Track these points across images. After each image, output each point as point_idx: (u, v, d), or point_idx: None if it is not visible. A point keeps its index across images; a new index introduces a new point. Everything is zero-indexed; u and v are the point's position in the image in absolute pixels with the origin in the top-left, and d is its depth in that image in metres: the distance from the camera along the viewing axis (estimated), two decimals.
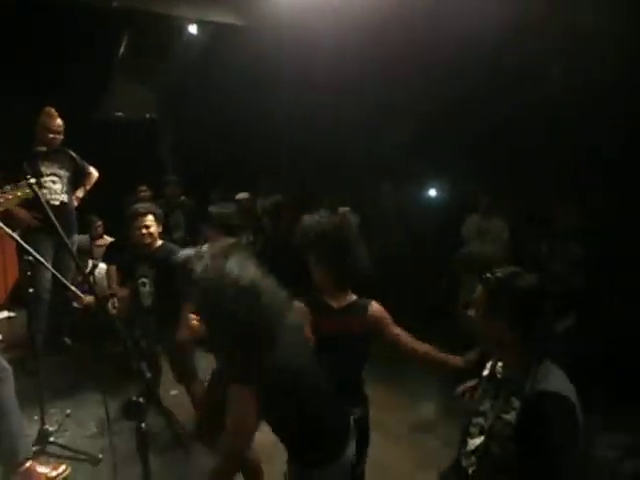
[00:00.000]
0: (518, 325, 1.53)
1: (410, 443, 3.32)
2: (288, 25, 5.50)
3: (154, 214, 3.60)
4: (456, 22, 4.28)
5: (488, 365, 1.76)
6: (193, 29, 6.46)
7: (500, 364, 1.69)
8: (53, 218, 1.77)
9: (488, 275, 1.60)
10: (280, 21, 5.42)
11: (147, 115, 7.28)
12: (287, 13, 5.29)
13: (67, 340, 4.69)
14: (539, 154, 4.60)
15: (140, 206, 3.65)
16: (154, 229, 3.57)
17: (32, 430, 3.07)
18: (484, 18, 4.05)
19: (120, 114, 7.03)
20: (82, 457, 3.01)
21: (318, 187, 5.97)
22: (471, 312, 1.64)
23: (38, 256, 2.89)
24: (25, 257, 2.96)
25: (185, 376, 3.51)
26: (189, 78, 6.76)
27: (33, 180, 1.75)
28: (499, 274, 1.59)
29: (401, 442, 3.30)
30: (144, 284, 3.56)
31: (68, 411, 3.55)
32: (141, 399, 1.53)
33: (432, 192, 6.10)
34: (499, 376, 1.68)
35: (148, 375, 1.59)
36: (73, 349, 4.61)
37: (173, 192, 6.27)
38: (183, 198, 6.29)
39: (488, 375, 1.74)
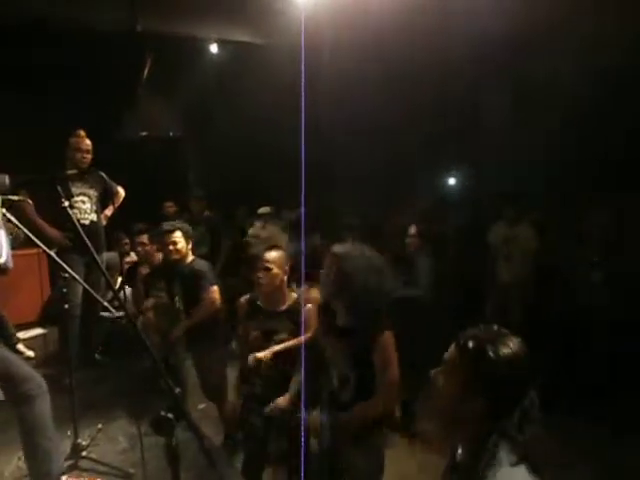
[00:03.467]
0: (486, 398, 1.22)
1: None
2: (306, 43, 5.56)
3: (182, 230, 3.67)
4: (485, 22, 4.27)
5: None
6: (214, 48, 6.60)
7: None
8: (85, 238, 1.82)
9: (465, 335, 1.30)
10: (298, 39, 5.50)
11: (170, 133, 7.43)
12: (305, 31, 5.36)
13: (97, 356, 4.78)
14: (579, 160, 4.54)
15: (167, 223, 3.74)
16: (182, 245, 3.64)
17: (65, 445, 3.13)
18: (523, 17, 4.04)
19: (144, 133, 7.19)
20: (114, 472, 3.06)
21: (338, 201, 6.01)
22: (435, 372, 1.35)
23: (74, 273, 2.98)
24: (62, 274, 3.05)
25: (216, 393, 3.55)
26: (211, 96, 6.89)
27: (67, 203, 1.80)
28: (479, 334, 1.29)
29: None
30: (173, 300, 3.64)
31: (100, 426, 3.62)
32: (170, 415, 1.56)
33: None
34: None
35: (177, 390, 1.62)
36: (103, 364, 4.70)
37: (197, 208, 6.39)
38: (207, 213, 6.39)
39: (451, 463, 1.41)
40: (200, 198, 6.45)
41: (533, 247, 4.88)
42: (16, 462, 3.07)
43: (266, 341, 2.76)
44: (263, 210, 6.11)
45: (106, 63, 5.89)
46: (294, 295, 2.91)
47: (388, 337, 2.21)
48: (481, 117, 5.19)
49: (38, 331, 5.60)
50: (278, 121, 6.22)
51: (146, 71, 6.48)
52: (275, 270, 2.79)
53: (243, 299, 3.02)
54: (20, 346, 5.07)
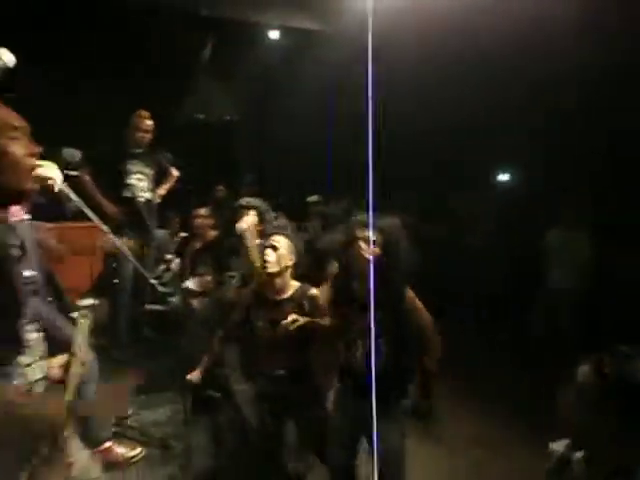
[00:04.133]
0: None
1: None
2: (372, 31, 5.50)
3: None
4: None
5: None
6: (275, 34, 6.63)
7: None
8: (145, 215, 1.87)
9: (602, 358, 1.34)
10: (363, 27, 5.44)
11: (226, 117, 7.53)
12: (371, 19, 5.30)
13: (146, 330, 4.93)
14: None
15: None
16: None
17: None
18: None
19: (201, 116, 7.33)
20: (155, 443, 3.16)
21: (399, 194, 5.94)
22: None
23: (125, 249, 3.07)
24: (112, 249, 3.15)
25: None
26: (269, 82, 6.93)
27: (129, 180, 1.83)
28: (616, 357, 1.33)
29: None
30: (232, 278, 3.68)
31: (143, 397, 3.75)
32: (216, 394, 1.59)
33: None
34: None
35: (224, 372, 1.65)
36: (151, 340, 4.83)
37: (247, 193, 6.45)
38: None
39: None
40: (251, 183, 6.54)
41: (591, 253, 4.71)
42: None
43: (274, 330, 2.69)
44: (313, 199, 6.14)
45: (169, 46, 6.02)
46: (296, 283, 2.83)
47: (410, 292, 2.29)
48: (547, 117, 5.00)
49: (89, 301, 5.81)
50: (335, 111, 6.21)
51: (206, 55, 6.57)
52: (282, 251, 2.73)
53: (246, 289, 2.97)
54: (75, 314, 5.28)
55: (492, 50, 4.66)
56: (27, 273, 2.86)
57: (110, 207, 4.30)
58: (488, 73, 5.04)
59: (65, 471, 1.47)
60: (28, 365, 1.40)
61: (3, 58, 1.78)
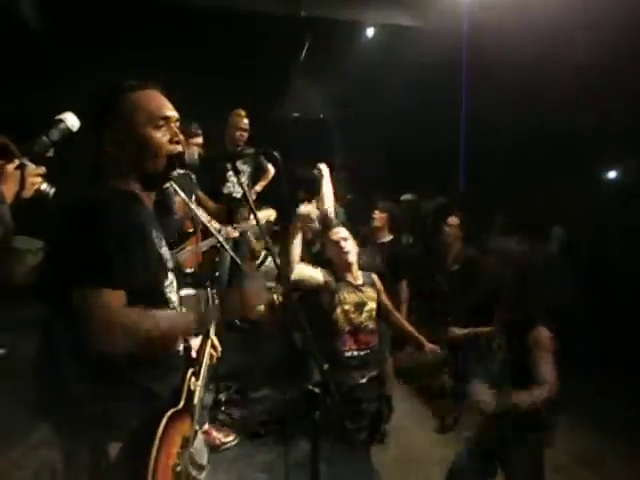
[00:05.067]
0: None
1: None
2: (468, 27, 5.36)
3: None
4: None
5: None
6: (370, 32, 6.62)
7: None
8: (255, 210, 1.93)
9: None
10: (460, 23, 5.31)
11: (321, 115, 7.62)
12: (467, 14, 5.16)
13: (237, 321, 5.11)
14: None
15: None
16: None
17: (207, 398, 3.40)
18: None
19: (297, 114, 7.46)
20: (247, 430, 3.28)
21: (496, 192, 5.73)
22: None
23: (224, 243, 3.21)
24: (214, 243, 3.31)
25: None
26: (363, 80, 6.92)
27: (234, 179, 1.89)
28: None
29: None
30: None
31: (237, 386, 3.90)
32: (317, 389, 1.61)
33: None
34: None
35: (325, 366, 1.67)
36: (243, 330, 5.01)
37: (340, 190, 6.48)
38: (349, 197, 6.49)
39: None
40: (343, 181, 6.54)
41: None
42: None
43: (359, 314, 2.82)
44: (406, 197, 6.07)
45: (267, 45, 6.18)
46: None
47: (543, 332, 2.33)
48: None
49: (190, 291, 6.13)
50: (430, 107, 6.10)
51: (303, 54, 6.69)
52: (352, 240, 2.91)
53: (327, 276, 3.02)
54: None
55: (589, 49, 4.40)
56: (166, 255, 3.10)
57: (209, 203, 4.49)
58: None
59: None
60: None
61: (67, 122, 1.87)
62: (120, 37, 5.73)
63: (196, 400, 1.58)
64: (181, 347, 1.60)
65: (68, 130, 1.86)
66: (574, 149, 5.40)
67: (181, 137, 1.53)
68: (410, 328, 3.00)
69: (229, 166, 4.70)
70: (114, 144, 1.42)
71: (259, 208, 5.20)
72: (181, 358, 1.57)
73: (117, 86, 1.46)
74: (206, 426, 3.09)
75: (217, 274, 3.55)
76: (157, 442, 1.32)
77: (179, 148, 1.51)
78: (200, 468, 1.57)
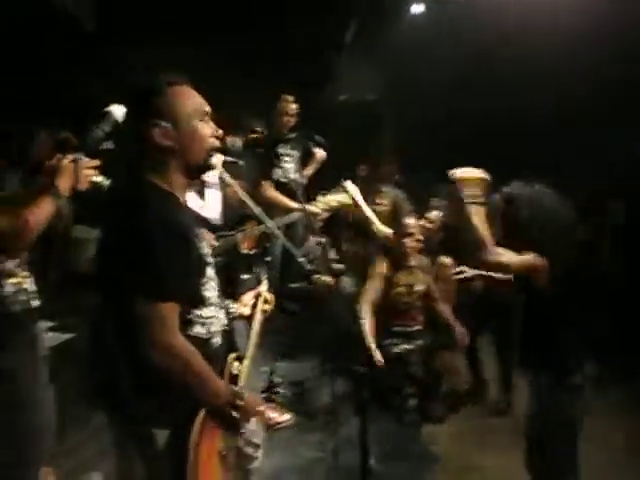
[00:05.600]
0: None
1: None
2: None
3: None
4: None
5: None
6: (418, 8, 6.46)
7: None
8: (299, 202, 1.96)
9: None
10: None
11: (369, 97, 7.52)
12: None
13: (293, 305, 5.19)
14: None
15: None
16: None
17: (260, 380, 3.50)
18: None
19: (344, 97, 7.40)
20: (302, 410, 3.35)
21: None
22: None
23: (275, 229, 3.26)
24: (265, 229, 3.37)
25: None
26: (412, 59, 6.77)
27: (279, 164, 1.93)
28: None
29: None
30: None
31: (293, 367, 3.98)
32: (362, 369, 1.63)
33: None
34: None
35: (373, 346, 1.69)
36: (298, 314, 5.08)
37: (387, 171, 6.42)
38: (397, 177, 6.41)
39: None
40: (391, 162, 6.47)
41: None
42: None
43: (409, 294, 3.25)
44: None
45: (312, 26, 6.14)
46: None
47: None
48: None
49: (245, 276, 6.27)
50: (480, 85, 5.91)
51: (349, 34, 6.60)
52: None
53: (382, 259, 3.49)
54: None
55: None
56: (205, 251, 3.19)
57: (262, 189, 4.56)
58: None
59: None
60: (208, 318, 1.55)
61: (116, 114, 1.93)
62: (161, 24, 5.85)
63: (242, 382, 1.63)
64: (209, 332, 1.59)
65: (116, 122, 1.95)
66: None
67: (220, 132, 1.56)
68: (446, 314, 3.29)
69: (278, 152, 4.77)
70: (160, 138, 1.45)
71: (326, 192, 5.24)
72: (211, 345, 1.57)
73: (160, 81, 1.49)
74: (261, 407, 3.17)
75: (269, 259, 3.59)
76: (197, 429, 1.38)
77: (217, 143, 1.55)
78: (256, 447, 1.63)
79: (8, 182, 2.21)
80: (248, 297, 1.97)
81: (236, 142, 1.72)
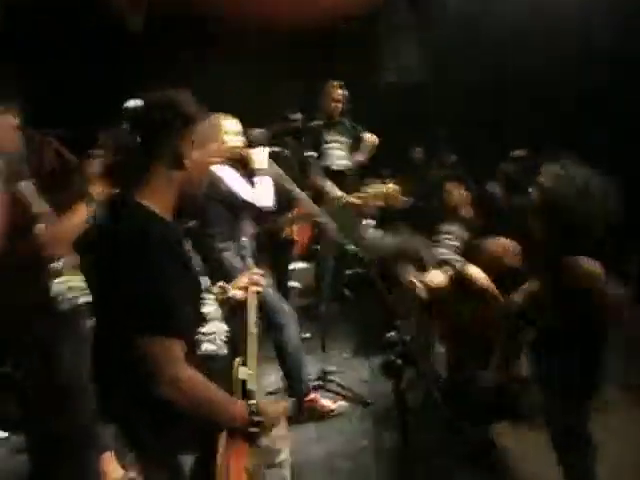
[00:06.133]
0: None
1: None
2: None
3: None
4: None
5: None
6: None
7: None
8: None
9: None
10: None
11: (417, 79, 7.31)
12: None
13: (347, 292, 5.17)
14: None
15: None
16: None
17: (314, 368, 3.52)
18: None
19: (393, 80, 7.24)
20: (354, 399, 3.33)
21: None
22: None
23: (324, 217, 3.25)
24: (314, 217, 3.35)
25: None
26: (462, 40, 6.50)
27: (312, 153, 1.88)
28: None
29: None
30: None
31: (345, 355, 3.97)
32: (399, 360, 1.58)
33: None
34: None
35: (407, 337, 1.63)
36: (351, 300, 5.07)
37: (443, 155, 6.29)
38: (453, 158, 6.24)
39: None
40: (447, 147, 6.33)
41: None
42: (275, 377, 3.58)
43: None
44: (518, 153, 5.70)
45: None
46: None
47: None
48: None
49: (303, 265, 6.32)
50: (536, 62, 5.61)
51: (397, 17, 6.42)
52: None
53: None
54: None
55: None
56: (243, 239, 3.22)
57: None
58: None
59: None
60: (211, 334, 1.55)
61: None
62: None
63: (253, 385, 1.60)
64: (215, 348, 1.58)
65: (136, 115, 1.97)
66: None
67: None
68: None
69: (327, 138, 4.72)
70: (167, 163, 1.44)
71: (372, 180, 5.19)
72: (220, 359, 1.58)
73: (175, 111, 1.45)
74: (312, 394, 3.19)
75: (318, 247, 3.60)
76: (222, 450, 1.38)
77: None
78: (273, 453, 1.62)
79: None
80: (241, 280, 1.93)
81: (259, 133, 1.71)
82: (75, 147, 2.34)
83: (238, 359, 1.64)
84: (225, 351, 1.57)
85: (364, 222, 5.41)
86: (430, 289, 3.06)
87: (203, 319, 1.52)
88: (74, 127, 2.50)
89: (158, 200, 1.44)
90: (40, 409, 1.98)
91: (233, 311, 1.82)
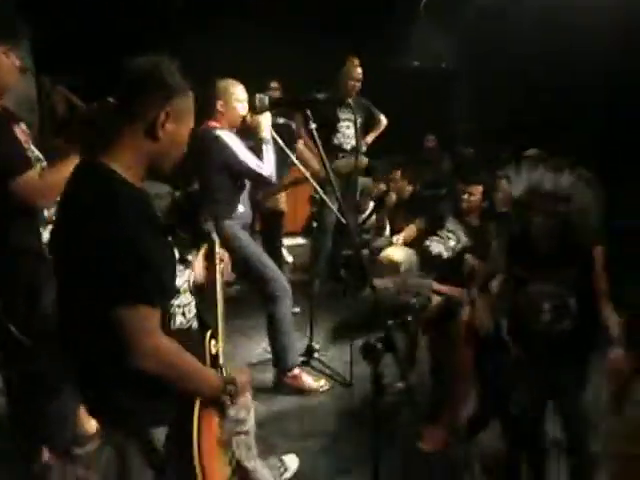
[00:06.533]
0: None
1: None
2: None
3: None
4: None
5: None
6: None
7: None
8: (328, 168, 1.84)
9: None
10: None
11: (443, 64, 7.21)
12: None
13: (342, 272, 5.18)
14: None
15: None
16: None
17: (301, 344, 3.54)
18: None
19: (417, 63, 7.14)
20: (337, 378, 3.35)
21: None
22: None
23: (323, 194, 3.22)
24: (312, 194, 3.34)
25: None
26: (489, 25, 6.37)
27: (313, 126, 1.84)
28: None
29: None
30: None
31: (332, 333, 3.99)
32: (379, 344, 1.57)
33: None
34: None
35: (389, 323, 1.62)
36: (345, 280, 5.06)
37: (462, 144, 6.23)
38: (470, 150, 6.18)
39: None
40: (466, 135, 6.26)
41: None
42: (263, 348, 3.60)
43: None
44: (531, 152, 5.61)
45: None
46: None
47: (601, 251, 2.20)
48: None
49: (299, 241, 6.33)
50: (566, 52, 5.48)
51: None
52: None
53: None
54: (283, 251, 5.83)
55: None
56: (241, 208, 3.20)
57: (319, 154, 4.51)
58: None
59: None
60: (184, 306, 1.54)
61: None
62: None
63: (222, 360, 1.61)
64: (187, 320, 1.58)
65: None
66: None
67: None
68: None
69: (340, 116, 4.67)
70: (139, 129, 1.37)
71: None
72: (193, 332, 1.57)
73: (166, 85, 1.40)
74: (296, 370, 3.21)
75: (315, 224, 3.57)
76: (196, 421, 1.37)
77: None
78: (242, 422, 1.62)
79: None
80: (199, 263, 1.83)
81: (265, 99, 1.68)
82: (86, 96, 2.32)
83: (207, 333, 1.61)
84: (196, 324, 1.57)
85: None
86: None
87: (177, 290, 1.50)
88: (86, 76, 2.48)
89: (126, 167, 1.37)
90: (19, 350, 1.99)
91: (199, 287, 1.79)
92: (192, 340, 1.51)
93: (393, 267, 3.43)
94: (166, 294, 1.42)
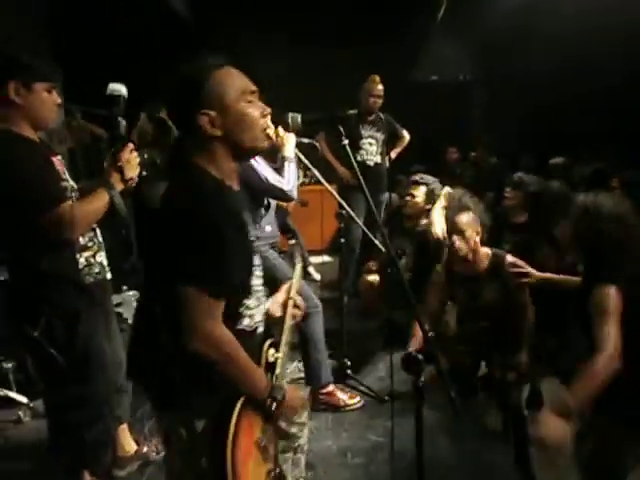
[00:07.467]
0: None
1: None
2: None
3: (427, 188, 3.84)
4: None
5: None
6: None
7: None
8: (361, 179, 1.84)
9: None
10: None
11: (461, 77, 7.22)
12: None
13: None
14: None
15: (420, 176, 3.94)
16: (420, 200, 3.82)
17: (331, 361, 3.47)
18: None
19: (435, 77, 7.17)
20: (371, 394, 3.32)
21: None
22: None
23: (349, 210, 3.23)
24: (339, 210, 3.35)
25: None
26: (507, 37, 6.37)
27: (346, 141, 1.86)
28: None
29: None
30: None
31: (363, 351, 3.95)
32: (420, 355, 1.56)
33: None
34: None
35: (430, 334, 1.61)
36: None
37: (482, 154, 6.18)
38: (494, 160, 6.14)
39: None
40: (485, 144, 6.21)
41: None
42: (296, 365, 3.59)
43: (472, 304, 2.96)
44: (556, 161, 5.55)
45: (404, 3, 5.98)
46: (488, 251, 3.00)
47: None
48: None
49: (326, 258, 6.36)
50: (585, 60, 5.45)
51: (441, 12, 6.34)
52: (468, 232, 2.90)
53: (439, 266, 3.18)
54: (311, 269, 5.84)
55: None
56: (268, 228, 3.22)
57: (341, 169, 4.54)
58: None
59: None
60: (254, 308, 1.54)
61: (122, 92, 2.00)
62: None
63: (278, 370, 1.60)
64: (255, 322, 1.58)
65: (125, 101, 2.00)
66: None
67: (268, 110, 1.51)
68: None
69: (363, 133, 4.70)
70: (207, 126, 1.41)
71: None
72: (256, 335, 1.58)
73: (203, 69, 1.44)
74: (331, 387, 3.19)
75: (343, 241, 3.58)
76: (234, 420, 1.37)
77: (267, 122, 1.51)
78: (300, 425, 1.61)
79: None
80: (281, 296, 1.83)
81: (297, 118, 1.69)
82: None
83: (268, 341, 1.63)
84: (262, 330, 1.57)
85: None
86: None
87: (249, 291, 1.52)
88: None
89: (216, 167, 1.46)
90: (60, 376, 2.02)
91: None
92: (253, 344, 1.52)
93: None
94: (239, 291, 1.46)
